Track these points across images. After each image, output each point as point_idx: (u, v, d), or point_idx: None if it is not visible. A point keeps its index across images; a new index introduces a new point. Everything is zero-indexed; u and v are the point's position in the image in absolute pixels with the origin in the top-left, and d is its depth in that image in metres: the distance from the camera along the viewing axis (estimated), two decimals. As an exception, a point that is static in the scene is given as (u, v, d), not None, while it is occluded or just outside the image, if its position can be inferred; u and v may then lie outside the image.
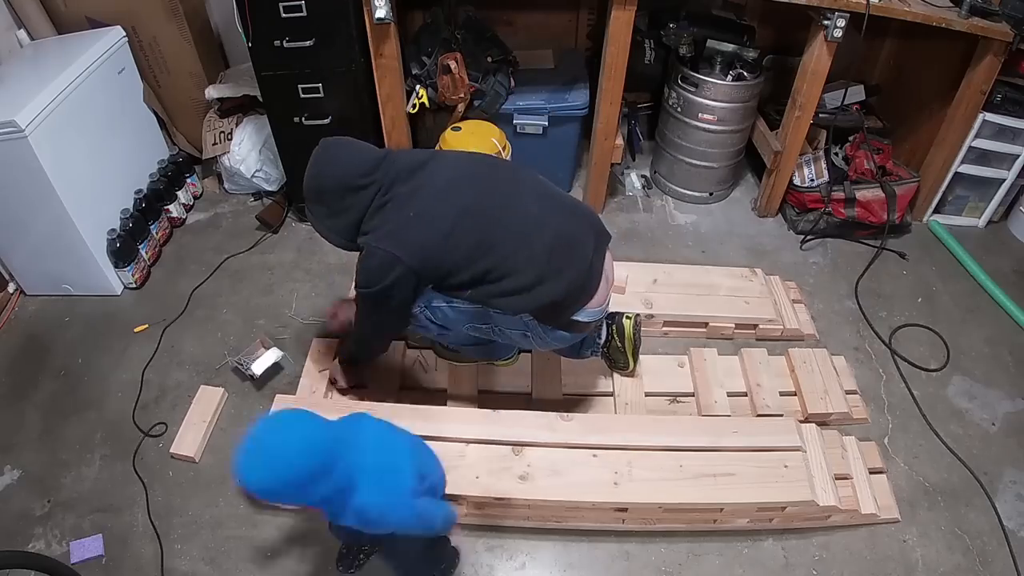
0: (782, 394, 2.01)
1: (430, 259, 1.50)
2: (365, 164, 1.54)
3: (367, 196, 1.53)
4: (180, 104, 2.74)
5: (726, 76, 2.50)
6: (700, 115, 2.58)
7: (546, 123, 2.52)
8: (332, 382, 1.96)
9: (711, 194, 2.84)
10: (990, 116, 2.46)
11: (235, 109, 2.68)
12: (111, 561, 1.67)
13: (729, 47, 2.56)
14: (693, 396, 2.01)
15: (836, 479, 1.72)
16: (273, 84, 2.26)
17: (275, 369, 2.08)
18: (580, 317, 1.59)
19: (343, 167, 1.54)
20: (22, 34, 2.39)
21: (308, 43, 2.14)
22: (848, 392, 2.04)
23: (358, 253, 1.57)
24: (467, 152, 1.72)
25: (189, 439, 1.90)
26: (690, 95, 2.56)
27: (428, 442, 1.66)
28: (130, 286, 2.39)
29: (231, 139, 2.65)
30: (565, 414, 1.76)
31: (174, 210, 2.64)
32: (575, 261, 1.56)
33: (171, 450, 1.87)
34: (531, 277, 1.51)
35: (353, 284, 1.69)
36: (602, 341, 1.95)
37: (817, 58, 2.31)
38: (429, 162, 1.60)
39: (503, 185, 1.62)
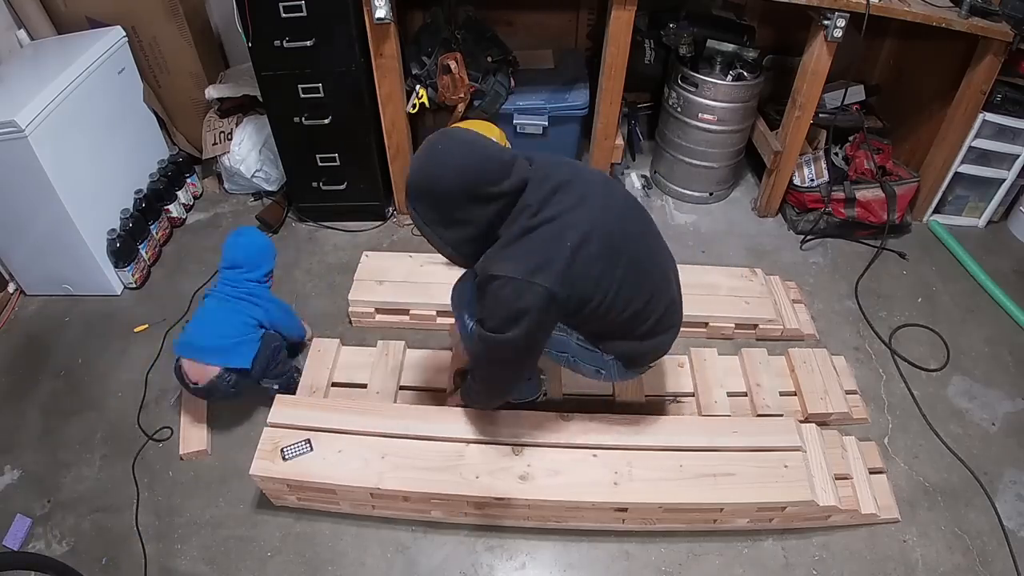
0: (782, 394, 2.01)
1: (584, 300, 1.36)
2: (494, 169, 1.32)
3: (493, 210, 1.33)
4: (180, 104, 2.75)
5: (726, 76, 2.50)
6: (700, 115, 2.58)
7: (546, 123, 2.52)
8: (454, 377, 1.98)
9: (711, 194, 2.84)
10: (990, 116, 2.46)
11: (235, 109, 2.68)
12: (111, 561, 1.68)
13: (729, 47, 2.56)
14: (693, 396, 2.01)
15: (836, 479, 1.72)
16: (273, 84, 2.26)
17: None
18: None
19: (468, 169, 1.31)
20: (22, 34, 2.40)
21: (308, 43, 2.14)
22: (848, 392, 2.04)
23: (474, 278, 1.42)
24: (600, 173, 1.54)
25: (195, 437, 1.90)
26: (690, 95, 2.56)
27: (428, 442, 1.68)
28: (130, 286, 2.39)
29: (231, 139, 2.65)
30: (565, 414, 1.76)
31: (174, 210, 2.64)
32: (679, 316, 1.59)
33: (181, 451, 1.87)
34: (651, 327, 1.50)
35: (470, 321, 1.51)
36: None
37: (817, 58, 2.31)
38: (574, 181, 1.40)
39: (640, 224, 1.52)
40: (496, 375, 1.53)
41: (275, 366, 1.89)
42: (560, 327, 1.50)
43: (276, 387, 1.91)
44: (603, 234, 1.35)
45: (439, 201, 1.33)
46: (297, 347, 2.12)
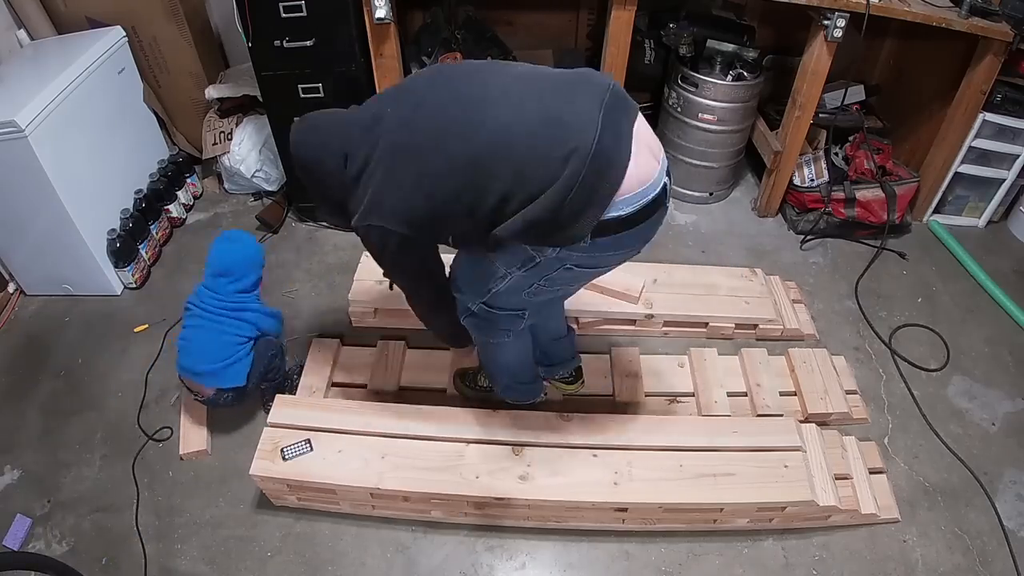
0: (782, 394, 2.01)
1: (417, 219, 1.28)
2: (345, 134, 1.34)
3: (352, 163, 1.33)
4: (180, 104, 2.74)
5: (726, 76, 2.50)
6: (700, 115, 2.58)
7: (546, 123, 2.52)
8: (456, 376, 2.00)
9: (711, 194, 2.84)
10: (990, 116, 2.46)
11: (235, 109, 2.68)
12: (111, 561, 1.67)
13: (729, 47, 2.56)
14: (693, 396, 2.01)
15: (836, 479, 1.72)
16: (273, 84, 2.26)
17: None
18: (618, 212, 1.19)
19: (324, 145, 1.37)
20: (22, 34, 2.39)
21: (308, 43, 2.14)
22: (848, 392, 2.04)
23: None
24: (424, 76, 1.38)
25: (195, 437, 1.90)
26: (690, 95, 2.56)
27: (428, 442, 1.68)
28: (130, 286, 2.39)
29: (231, 139, 2.65)
30: (565, 414, 1.76)
31: (174, 210, 2.64)
32: (567, 142, 1.15)
33: (181, 451, 1.87)
34: (538, 185, 1.16)
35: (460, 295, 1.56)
36: (568, 370, 1.93)
37: (817, 58, 2.31)
38: (385, 113, 1.31)
39: (463, 100, 1.26)
40: (414, 289, 1.56)
41: (272, 371, 1.88)
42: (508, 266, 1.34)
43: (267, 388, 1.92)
44: (398, 142, 1.27)
45: (311, 180, 1.41)
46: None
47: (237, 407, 1.90)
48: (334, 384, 2.01)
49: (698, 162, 2.72)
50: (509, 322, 1.55)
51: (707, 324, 2.19)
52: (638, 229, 1.24)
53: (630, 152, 1.17)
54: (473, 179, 1.21)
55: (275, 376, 1.91)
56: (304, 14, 2.09)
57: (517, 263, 1.34)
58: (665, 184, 1.27)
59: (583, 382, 1.97)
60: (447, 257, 1.51)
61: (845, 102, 2.62)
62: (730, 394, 2.00)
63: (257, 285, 1.87)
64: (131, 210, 2.40)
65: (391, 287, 1.63)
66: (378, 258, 1.42)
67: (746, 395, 2.02)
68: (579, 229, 1.17)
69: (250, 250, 1.85)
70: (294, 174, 2.50)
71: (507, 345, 1.65)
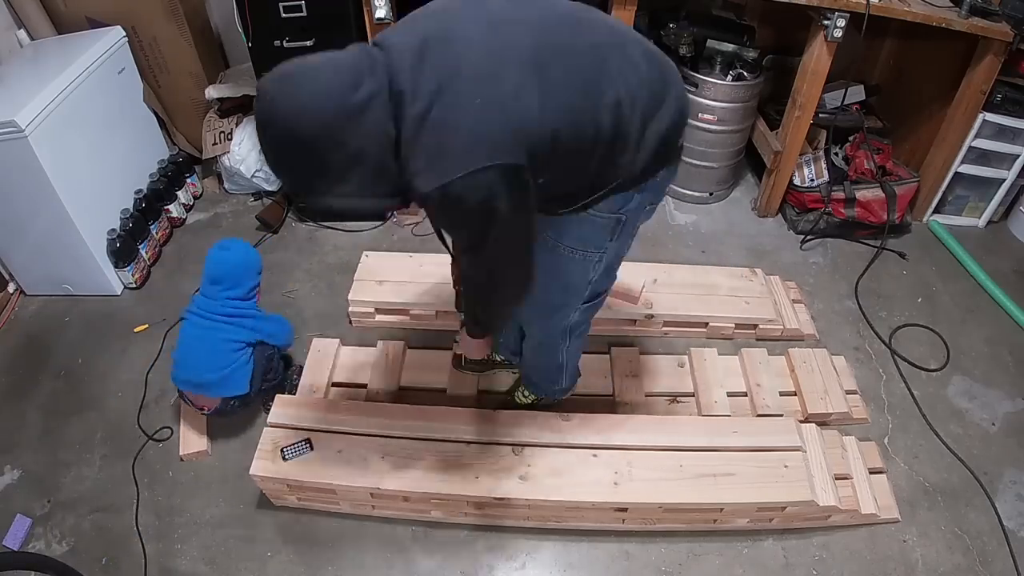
0: (782, 394, 2.01)
1: (536, 143, 1.04)
2: (344, 81, 0.99)
3: (372, 124, 1.00)
4: (180, 104, 2.74)
5: (726, 76, 2.50)
6: (700, 115, 2.58)
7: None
8: (457, 358, 1.96)
9: (711, 194, 2.84)
10: (990, 116, 2.46)
11: (235, 109, 2.68)
12: (111, 561, 1.67)
13: (729, 47, 2.56)
14: (693, 396, 2.01)
15: (836, 479, 1.72)
16: (273, 84, 2.26)
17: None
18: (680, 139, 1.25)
19: (316, 95, 0.97)
20: (22, 34, 2.39)
21: (308, 43, 2.14)
22: (848, 392, 2.04)
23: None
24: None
25: (195, 437, 1.90)
26: (690, 95, 2.56)
27: (428, 442, 1.68)
28: (130, 286, 2.39)
29: (231, 139, 2.65)
30: (565, 414, 1.76)
31: (174, 210, 2.64)
32: (671, 69, 1.21)
33: (181, 452, 1.87)
34: (639, 120, 1.13)
35: (452, 249, 1.27)
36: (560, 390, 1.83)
37: (817, 58, 2.31)
38: (437, 23, 1.07)
39: (553, 18, 1.13)
40: (509, 282, 1.24)
41: (270, 372, 1.88)
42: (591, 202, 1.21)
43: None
44: (505, 58, 1.03)
45: (310, 152, 0.99)
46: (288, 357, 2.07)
47: (242, 412, 1.90)
48: (334, 384, 2.01)
49: (698, 162, 2.72)
50: (597, 308, 1.53)
51: (707, 324, 2.19)
52: (676, 166, 1.30)
53: None
54: (592, 70, 1.09)
55: (274, 377, 1.91)
56: (304, 14, 2.09)
57: (607, 235, 1.30)
58: None
59: None
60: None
61: (845, 102, 2.62)
62: (730, 394, 2.00)
63: (253, 292, 1.85)
64: (131, 210, 2.40)
65: (457, 284, 1.50)
66: (478, 229, 1.07)
67: (746, 395, 2.02)
68: (679, 144, 1.24)
69: (244, 257, 1.83)
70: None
71: (585, 336, 1.64)
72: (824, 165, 2.64)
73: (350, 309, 2.19)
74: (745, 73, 2.50)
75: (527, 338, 1.66)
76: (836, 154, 2.71)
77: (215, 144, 2.67)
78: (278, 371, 1.93)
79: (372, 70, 1.01)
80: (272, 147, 1.02)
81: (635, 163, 1.17)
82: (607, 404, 1.97)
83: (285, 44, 2.13)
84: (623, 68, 1.12)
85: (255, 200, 2.80)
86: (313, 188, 1.05)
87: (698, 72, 2.52)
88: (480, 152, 0.99)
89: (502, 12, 1.08)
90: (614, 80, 1.10)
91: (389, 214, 1.08)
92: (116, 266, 2.32)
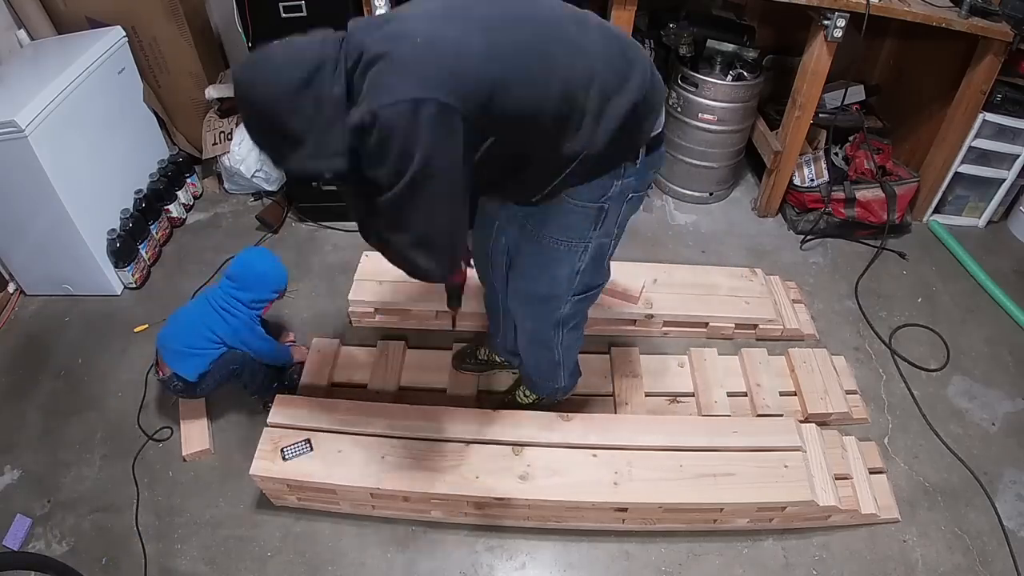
0: (782, 394, 2.01)
1: (475, 91, 1.05)
2: (300, 48, 1.10)
3: (325, 79, 1.07)
4: (180, 104, 2.74)
5: (726, 76, 2.50)
6: (700, 115, 2.58)
7: (546, 123, 2.52)
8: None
9: (711, 194, 2.84)
10: (990, 116, 2.46)
11: (235, 109, 2.68)
12: (111, 561, 1.68)
13: (729, 47, 2.56)
14: (693, 396, 2.01)
15: (836, 479, 1.72)
16: (273, 84, 2.26)
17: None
18: (656, 130, 1.27)
19: (273, 68, 1.07)
20: (22, 34, 2.39)
21: (308, 43, 2.14)
22: (848, 392, 2.04)
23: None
24: None
25: (196, 437, 1.90)
26: (690, 95, 2.56)
27: (428, 442, 1.68)
28: (130, 286, 2.39)
29: (231, 139, 2.65)
30: (565, 414, 1.76)
31: (174, 210, 2.64)
32: (636, 52, 1.23)
33: (184, 452, 1.87)
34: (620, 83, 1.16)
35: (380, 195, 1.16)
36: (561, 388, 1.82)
37: (817, 58, 2.31)
38: (401, 10, 1.17)
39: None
40: (412, 227, 1.19)
41: (231, 381, 1.86)
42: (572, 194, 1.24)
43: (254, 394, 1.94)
44: (455, 16, 1.10)
45: (271, 121, 1.07)
46: (283, 370, 2.03)
47: (186, 400, 1.93)
48: (334, 384, 2.01)
49: (698, 162, 2.72)
50: (591, 302, 1.54)
51: (707, 324, 2.19)
52: (660, 152, 1.33)
53: None
54: (547, 36, 1.13)
55: (255, 390, 1.90)
56: (304, 14, 2.09)
57: (589, 224, 1.32)
58: None
59: None
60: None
61: (845, 102, 2.62)
62: (730, 394, 2.00)
63: (259, 305, 1.85)
64: (131, 210, 2.40)
65: (451, 303, 1.61)
66: (395, 167, 1.05)
67: (746, 395, 2.02)
68: (649, 126, 1.24)
69: (266, 269, 1.85)
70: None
71: (582, 334, 1.65)
72: (824, 165, 2.64)
73: (350, 309, 2.19)
74: (745, 73, 2.50)
75: (520, 332, 1.65)
76: (836, 154, 2.71)
77: (215, 144, 2.67)
78: (255, 384, 1.89)
79: (323, 43, 1.10)
80: (246, 123, 1.14)
81: (596, 136, 1.18)
82: (607, 404, 1.97)
83: (285, 44, 2.13)
84: (580, 40, 1.16)
85: (255, 200, 2.80)
86: (282, 155, 1.12)
87: (698, 72, 2.52)
88: (410, 83, 1.02)
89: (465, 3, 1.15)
90: (569, 47, 1.14)
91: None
92: (116, 266, 2.32)
